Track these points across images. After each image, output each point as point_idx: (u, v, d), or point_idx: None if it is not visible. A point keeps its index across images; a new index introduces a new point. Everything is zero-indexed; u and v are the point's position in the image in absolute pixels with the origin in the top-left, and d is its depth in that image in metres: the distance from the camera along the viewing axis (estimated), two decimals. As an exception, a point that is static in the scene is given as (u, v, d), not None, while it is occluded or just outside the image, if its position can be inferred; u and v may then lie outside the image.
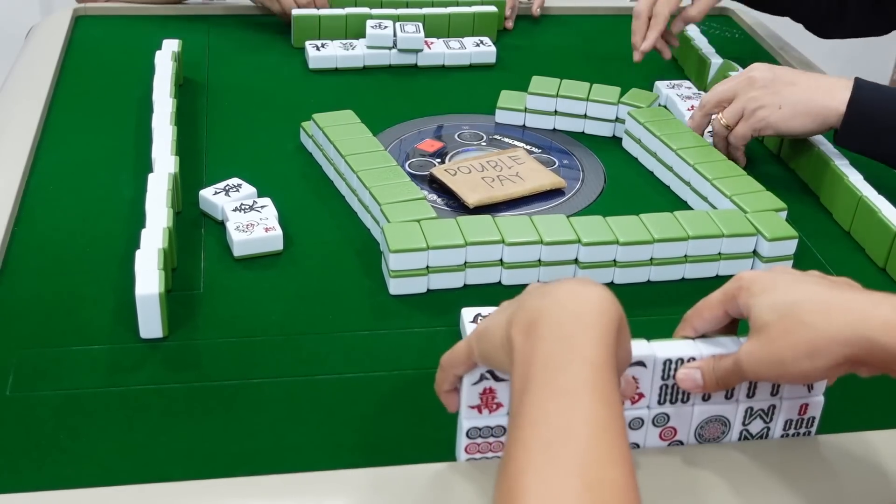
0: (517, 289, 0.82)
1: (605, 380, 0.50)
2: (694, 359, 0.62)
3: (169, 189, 0.87)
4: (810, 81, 0.97)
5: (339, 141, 0.96)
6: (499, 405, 0.60)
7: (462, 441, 0.62)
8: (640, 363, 0.61)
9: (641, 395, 0.63)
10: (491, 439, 0.62)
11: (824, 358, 0.56)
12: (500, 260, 0.84)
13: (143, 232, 0.81)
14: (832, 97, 0.95)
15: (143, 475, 0.63)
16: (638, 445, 0.65)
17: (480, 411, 0.60)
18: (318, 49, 1.23)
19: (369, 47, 1.23)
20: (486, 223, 0.84)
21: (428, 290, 0.83)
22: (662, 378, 0.62)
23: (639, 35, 1.18)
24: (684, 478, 0.64)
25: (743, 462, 0.65)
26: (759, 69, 0.99)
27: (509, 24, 1.36)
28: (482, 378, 0.59)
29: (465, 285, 0.84)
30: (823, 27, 1.23)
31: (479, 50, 1.26)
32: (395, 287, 0.82)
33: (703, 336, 0.64)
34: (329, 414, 0.69)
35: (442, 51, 1.25)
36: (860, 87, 0.94)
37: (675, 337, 0.64)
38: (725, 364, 0.61)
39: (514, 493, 0.45)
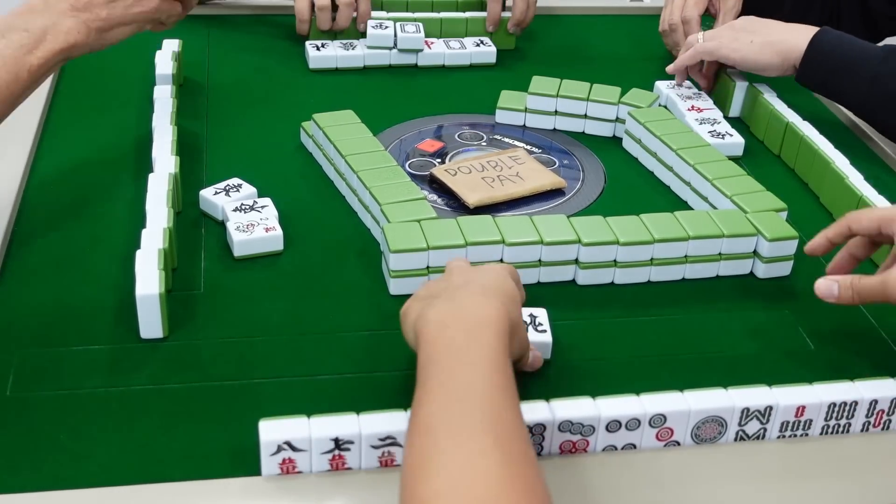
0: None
1: (502, 362, 0.59)
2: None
3: (169, 189, 0.87)
4: (784, 26, 1.09)
5: (340, 141, 0.97)
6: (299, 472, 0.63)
7: None
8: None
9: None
10: None
11: None
12: (501, 260, 0.84)
13: (144, 232, 0.81)
14: (797, 36, 1.06)
15: (143, 475, 0.63)
16: (634, 446, 0.65)
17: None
18: (318, 49, 1.23)
19: (370, 47, 1.23)
20: (486, 223, 0.84)
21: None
22: (825, 420, 0.68)
23: (680, 46, 1.21)
24: (681, 478, 0.64)
25: (739, 463, 0.65)
26: (744, 18, 1.12)
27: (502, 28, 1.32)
28: (279, 449, 0.61)
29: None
30: None
31: (479, 50, 1.26)
32: (396, 287, 0.82)
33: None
34: (329, 414, 0.69)
35: (442, 51, 1.25)
36: (825, 31, 1.05)
37: (827, 232, 0.78)
38: (870, 282, 0.72)
39: (426, 442, 0.53)
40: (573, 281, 0.86)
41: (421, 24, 1.24)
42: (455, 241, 0.82)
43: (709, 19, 1.27)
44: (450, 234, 0.82)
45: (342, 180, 0.96)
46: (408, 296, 0.82)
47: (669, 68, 1.16)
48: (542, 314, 0.76)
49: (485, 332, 0.60)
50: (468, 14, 1.30)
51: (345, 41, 1.25)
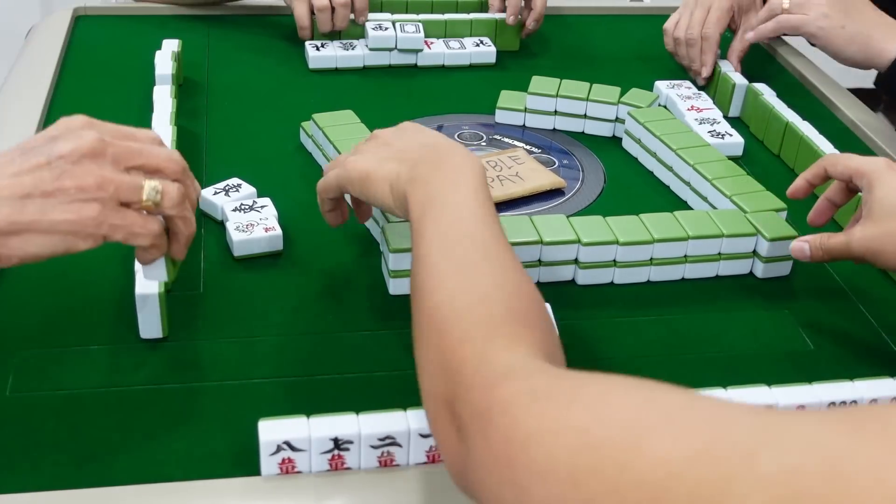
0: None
1: (486, 200, 0.65)
2: None
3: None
4: (879, 18, 1.04)
5: (339, 141, 0.97)
6: (298, 472, 0.62)
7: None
8: None
9: None
10: None
11: None
12: None
13: None
14: (890, 38, 1.01)
15: (143, 475, 0.63)
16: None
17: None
18: (317, 49, 1.23)
19: (371, 49, 1.23)
20: None
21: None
22: None
23: (697, 62, 1.19)
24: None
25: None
26: None
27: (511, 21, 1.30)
28: (279, 449, 0.61)
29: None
30: None
31: (479, 50, 1.26)
32: (395, 287, 0.82)
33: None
34: (329, 414, 0.69)
35: (442, 51, 1.25)
36: None
37: (807, 173, 0.82)
38: (835, 241, 0.77)
39: (432, 275, 0.59)
40: (573, 281, 0.85)
41: (420, 24, 1.24)
42: None
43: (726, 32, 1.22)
44: None
45: None
46: (407, 296, 0.82)
47: (735, 49, 1.18)
48: (547, 310, 0.76)
49: (468, 179, 0.66)
50: (472, 15, 1.30)
51: (344, 41, 1.25)
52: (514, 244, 0.82)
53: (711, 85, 1.21)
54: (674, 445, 0.41)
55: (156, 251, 0.63)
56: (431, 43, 1.26)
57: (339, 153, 0.95)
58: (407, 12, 1.31)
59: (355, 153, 0.74)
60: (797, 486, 0.37)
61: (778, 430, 0.39)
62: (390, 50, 1.23)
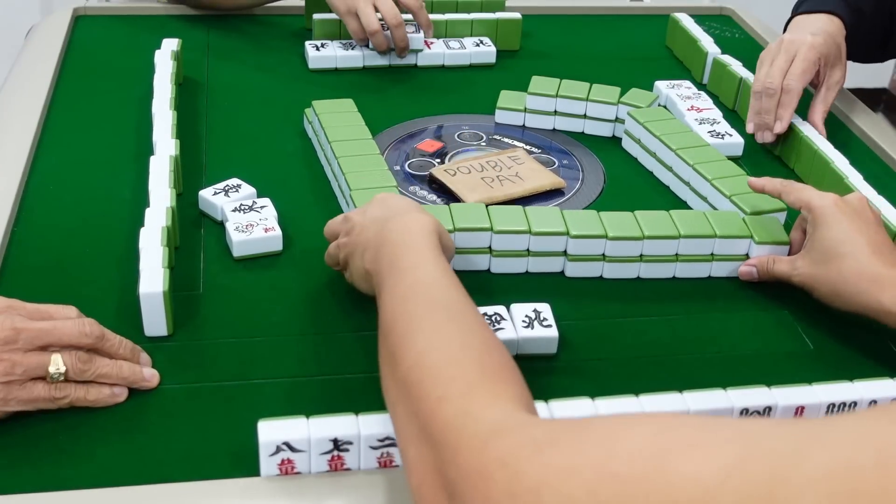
0: (505, 277, 0.84)
1: (436, 254, 0.66)
2: None
3: (171, 170, 0.89)
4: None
5: (330, 128, 0.98)
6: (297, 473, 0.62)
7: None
8: None
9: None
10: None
11: (845, 308, 0.78)
12: (489, 248, 0.84)
13: (147, 211, 0.83)
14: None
15: (143, 475, 0.63)
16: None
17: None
18: (317, 49, 1.23)
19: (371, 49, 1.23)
20: (477, 211, 0.85)
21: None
22: None
23: (772, 115, 1.05)
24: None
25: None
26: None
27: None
28: (278, 450, 0.61)
29: (454, 271, 0.85)
30: (868, 58, 1.22)
31: (479, 50, 1.26)
32: None
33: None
34: (328, 414, 0.69)
35: (442, 51, 1.25)
36: None
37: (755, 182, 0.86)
38: (781, 267, 0.83)
39: (399, 344, 0.58)
40: (562, 273, 0.86)
41: (416, 25, 1.24)
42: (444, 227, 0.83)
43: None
44: (439, 219, 0.83)
45: (329, 166, 0.97)
46: None
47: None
48: (545, 309, 0.77)
49: (419, 239, 0.67)
50: (472, 15, 1.30)
51: (344, 41, 1.25)
52: (502, 232, 0.82)
53: (711, 78, 1.21)
54: (703, 463, 0.39)
55: (98, 404, 0.68)
56: (431, 43, 1.26)
57: (328, 139, 0.96)
58: (407, 12, 1.31)
59: (338, 240, 0.79)
60: (852, 480, 0.36)
61: (818, 430, 0.38)
62: (391, 50, 1.23)
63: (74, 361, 0.66)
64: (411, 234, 0.68)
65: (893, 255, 0.77)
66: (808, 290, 0.81)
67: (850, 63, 1.12)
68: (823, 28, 1.07)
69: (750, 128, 1.09)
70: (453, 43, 1.26)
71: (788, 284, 0.86)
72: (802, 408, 0.66)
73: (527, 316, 0.76)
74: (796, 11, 1.14)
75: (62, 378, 0.66)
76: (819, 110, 1.08)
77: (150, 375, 0.70)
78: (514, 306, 0.77)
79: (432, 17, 1.28)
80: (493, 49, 1.27)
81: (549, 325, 0.75)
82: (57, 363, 0.65)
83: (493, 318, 0.76)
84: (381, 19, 1.18)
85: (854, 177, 0.96)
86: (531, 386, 0.73)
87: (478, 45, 1.27)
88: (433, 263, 0.64)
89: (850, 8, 1.10)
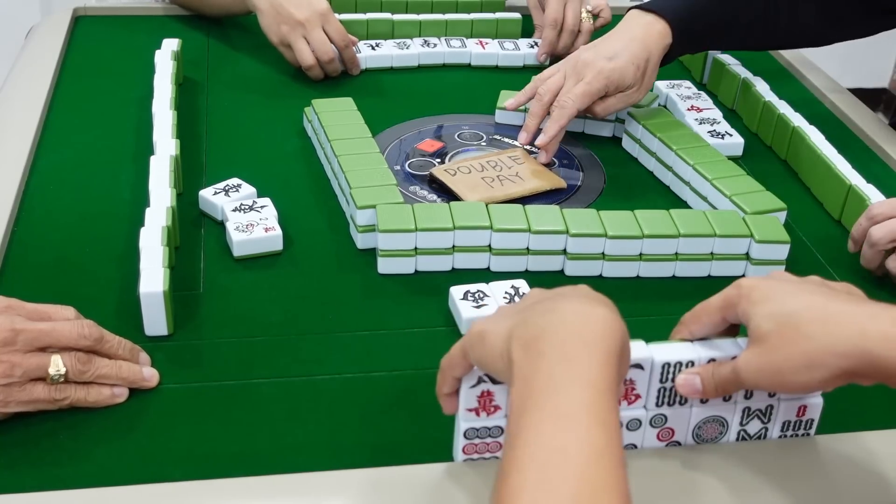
0: (504, 275, 0.84)
1: (605, 404, 0.49)
2: (693, 363, 0.62)
3: (171, 170, 0.89)
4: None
5: (330, 126, 0.98)
6: (496, 408, 0.60)
7: (460, 442, 0.62)
8: (638, 366, 0.61)
9: (638, 397, 0.63)
10: (489, 440, 0.62)
11: (822, 370, 0.56)
12: (489, 247, 0.84)
13: (147, 210, 0.83)
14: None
15: (143, 475, 0.63)
16: (636, 446, 0.65)
17: (478, 414, 0.61)
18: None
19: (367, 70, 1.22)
20: (477, 209, 0.86)
21: (416, 272, 0.85)
22: (661, 381, 0.62)
23: (534, 117, 1.01)
24: (682, 478, 0.64)
25: (741, 463, 0.65)
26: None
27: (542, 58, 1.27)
28: (480, 381, 0.59)
29: (454, 269, 0.86)
30: (815, 42, 1.13)
31: (479, 50, 1.26)
32: (384, 266, 0.84)
33: (701, 339, 0.64)
34: (328, 414, 0.69)
35: (443, 51, 1.25)
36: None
37: (672, 339, 0.64)
38: (724, 371, 0.61)
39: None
40: (561, 271, 0.86)
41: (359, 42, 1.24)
42: (443, 225, 0.84)
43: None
44: (439, 218, 0.84)
45: (328, 164, 0.97)
46: (395, 275, 0.84)
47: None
48: (523, 284, 0.80)
49: (591, 357, 0.51)
50: (472, 15, 1.30)
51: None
52: (501, 230, 0.83)
53: (710, 78, 1.22)
54: None
55: (98, 405, 0.68)
56: (434, 44, 1.26)
57: (328, 137, 0.95)
58: (407, 12, 1.31)
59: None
60: None
61: None
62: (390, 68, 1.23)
63: (74, 363, 0.66)
64: (586, 346, 0.51)
65: (853, 296, 0.60)
66: (770, 387, 0.62)
67: (848, 62, 1.11)
68: (635, 40, 0.99)
69: (510, 104, 1.05)
70: (454, 42, 1.26)
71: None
72: (804, 406, 0.66)
73: (507, 293, 0.79)
74: (641, 4, 1.06)
75: (62, 379, 0.65)
76: (552, 129, 0.99)
77: (149, 375, 0.70)
78: (492, 284, 0.80)
79: (433, 17, 1.29)
80: (495, 50, 1.26)
81: None
82: (57, 364, 0.65)
83: (477, 295, 0.78)
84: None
85: (855, 178, 0.96)
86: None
87: (478, 44, 1.26)
88: (595, 420, 0.48)
89: (694, 4, 1.02)
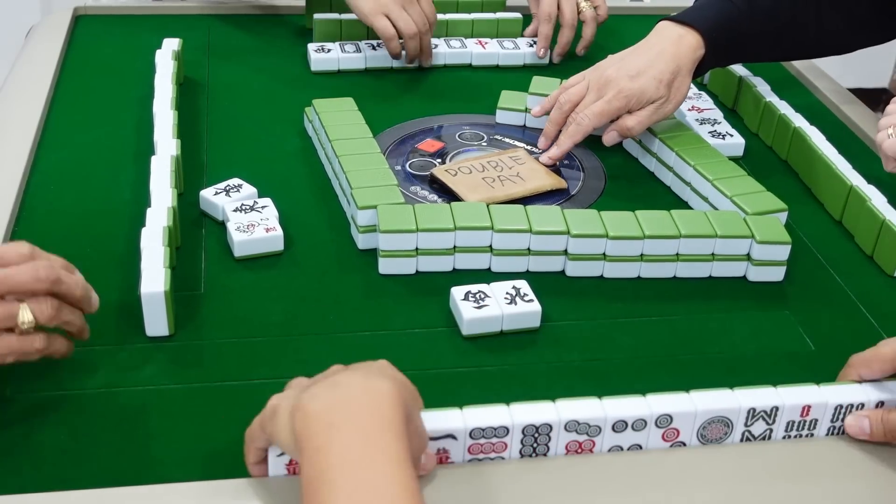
0: (505, 276, 0.84)
1: (409, 475, 0.50)
2: (863, 405, 0.66)
3: (172, 170, 0.89)
4: None
5: (330, 126, 0.98)
6: None
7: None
8: (451, 436, 0.62)
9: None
10: (494, 440, 0.62)
11: None
12: (490, 247, 0.84)
13: (148, 211, 0.82)
14: None
15: (143, 475, 0.63)
16: (641, 447, 0.65)
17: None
18: (319, 52, 1.22)
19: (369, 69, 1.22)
20: (478, 210, 0.86)
21: (417, 272, 0.85)
22: (831, 420, 0.66)
23: (553, 124, 1.04)
24: (686, 479, 0.64)
25: (745, 463, 0.65)
26: None
27: (541, 53, 1.26)
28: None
29: (455, 270, 0.86)
30: (838, 50, 1.13)
31: (479, 50, 1.26)
32: (385, 267, 0.84)
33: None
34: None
35: (443, 51, 1.25)
36: None
37: (839, 381, 0.69)
38: (894, 417, 0.65)
39: None
40: (562, 272, 0.86)
41: (336, 45, 1.23)
42: (444, 225, 0.83)
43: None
44: (440, 218, 0.84)
45: (329, 164, 0.97)
46: (396, 276, 0.84)
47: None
48: (524, 285, 0.79)
49: (384, 436, 0.51)
50: (473, 15, 1.30)
51: (345, 41, 1.24)
52: (503, 231, 0.83)
53: (710, 78, 1.21)
54: None
55: (57, 355, 0.67)
56: (435, 45, 1.26)
57: (328, 137, 0.95)
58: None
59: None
60: None
61: None
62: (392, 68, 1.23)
63: (44, 308, 0.64)
64: (379, 424, 0.52)
65: None
66: None
67: (848, 62, 1.11)
68: (663, 55, 0.99)
69: (536, 111, 1.07)
70: (454, 42, 1.26)
71: (788, 285, 0.86)
72: (809, 407, 0.66)
73: (507, 293, 0.78)
74: (672, 17, 1.05)
75: (33, 326, 0.64)
76: (621, 130, 1.01)
77: (95, 301, 0.69)
78: (493, 284, 0.79)
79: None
80: (496, 50, 1.26)
81: (531, 300, 0.78)
82: (25, 311, 0.63)
83: (478, 295, 0.78)
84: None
85: (856, 179, 0.96)
86: (532, 385, 0.73)
87: (478, 44, 1.26)
88: (402, 487, 0.49)
89: (726, 16, 1.00)
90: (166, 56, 1.12)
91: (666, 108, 1.00)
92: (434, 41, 1.26)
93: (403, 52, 1.19)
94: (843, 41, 1.08)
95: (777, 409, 0.65)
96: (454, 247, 0.85)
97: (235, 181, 0.92)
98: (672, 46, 0.99)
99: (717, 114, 1.11)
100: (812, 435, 0.67)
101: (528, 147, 1.07)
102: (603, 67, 1.02)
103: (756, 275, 0.86)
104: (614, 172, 1.03)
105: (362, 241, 0.87)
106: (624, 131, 1.00)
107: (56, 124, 1.06)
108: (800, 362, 0.78)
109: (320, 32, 1.25)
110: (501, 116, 1.12)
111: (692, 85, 1.17)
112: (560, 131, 1.03)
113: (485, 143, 1.08)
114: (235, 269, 0.84)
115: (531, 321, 0.78)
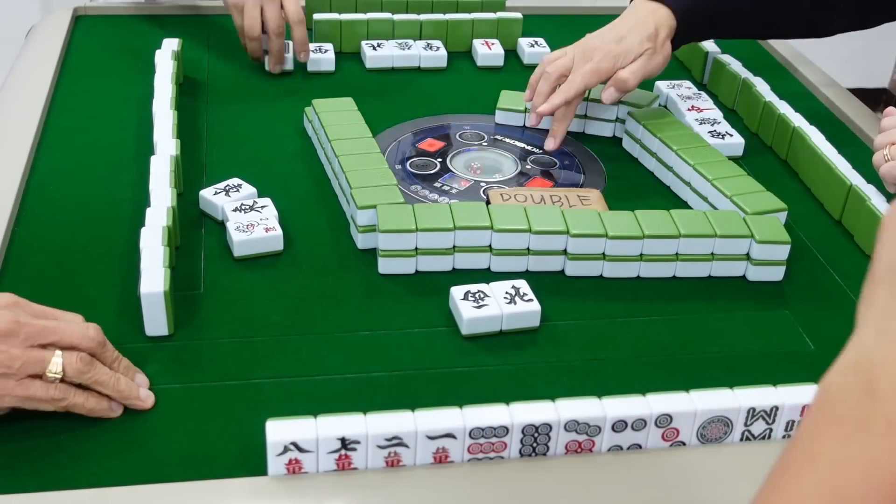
0: (505, 275, 0.84)
1: None
2: None
3: (171, 170, 0.88)
4: None
5: (330, 126, 0.98)
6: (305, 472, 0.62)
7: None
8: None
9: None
10: (494, 440, 0.62)
11: None
12: (489, 247, 0.84)
13: (148, 211, 0.83)
14: None
15: (143, 475, 0.63)
16: (640, 446, 0.65)
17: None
18: (319, 52, 1.22)
19: (311, 72, 1.21)
20: (478, 210, 0.86)
21: (417, 272, 0.85)
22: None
23: (541, 96, 1.03)
24: (686, 478, 0.64)
25: (745, 463, 0.65)
26: None
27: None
28: (286, 450, 0.61)
29: (455, 269, 0.86)
30: (813, 32, 1.15)
31: (482, 50, 1.26)
32: (384, 266, 0.84)
33: None
34: (336, 413, 0.69)
35: (443, 53, 1.25)
36: None
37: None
38: None
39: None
40: (562, 272, 0.86)
41: (332, 45, 1.23)
42: (444, 225, 0.83)
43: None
44: (440, 218, 0.84)
45: (329, 164, 0.97)
46: (395, 275, 0.84)
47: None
48: (523, 284, 0.79)
49: None
50: (473, 15, 1.30)
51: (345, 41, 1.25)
52: (502, 230, 0.83)
53: (711, 78, 1.21)
54: None
55: (80, 409, 0.67)
56: (437, 47, 1.26)
57: (328, 137, 0.96)
58: (407, 12, 1.31)
59: None
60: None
61: (805, 450, 0.39)
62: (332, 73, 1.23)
63: (74, 362, 0.65)
64: None
65: None
66: None
67: (849, 63, 1.11)
68: (640, 21, 1.01)
69: (527, 95, 1.07)
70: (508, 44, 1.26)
71: (788, 284, 0.85)
72: (808, 407, 0.65)
73: (507, 293, 0.78)
74: None
75: (60, 378, 0.65)
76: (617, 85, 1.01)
77: (145, 396, 0.69)
78: (492, 284, 0.79)
79: (433, 17, 1.28)
80: (501, 52, 1.26)
81: (531, 300, 0.78)
82: (56, 362, 0.64)
83: (477, 295, 0.78)
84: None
85: (856, 179, 0.96)
86: (532, 385, 0.73)
87: (531, 45, 1.26)
88: None
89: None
90: (166, 56, 1.12)
91: (656, 59, 1.01)
92: (436, 43, 1.26)
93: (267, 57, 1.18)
94: (815, 23, 1.09)
95: (777, 408, 0.65)
96: (454, 246, 0.85)
97: (235, 181, 0.92)
98: (649, 15, 1.02)
99: (717, 114, 1.11)
100: (812, 434, 0.67)
101: (528, 147, 1.07)
102: (585, 40, 1.04)
103: (756, 274, 0.86)
104: (614, 172, 1.03)
105: (362, 241, 0.87)
106: (620, 84, 1.01)
107: (56, 124, 1.06)
108: (799, 362, 0.78)
109: (320, 32, 1.25)
110: (501, 117, 1.12)
111: (692, 85, 1.17)
112: (544, 104, 1.03)
113: (485, 143, 1.08)
114: (235, 268, 0.84)
115: (531, 321, 0.78)
